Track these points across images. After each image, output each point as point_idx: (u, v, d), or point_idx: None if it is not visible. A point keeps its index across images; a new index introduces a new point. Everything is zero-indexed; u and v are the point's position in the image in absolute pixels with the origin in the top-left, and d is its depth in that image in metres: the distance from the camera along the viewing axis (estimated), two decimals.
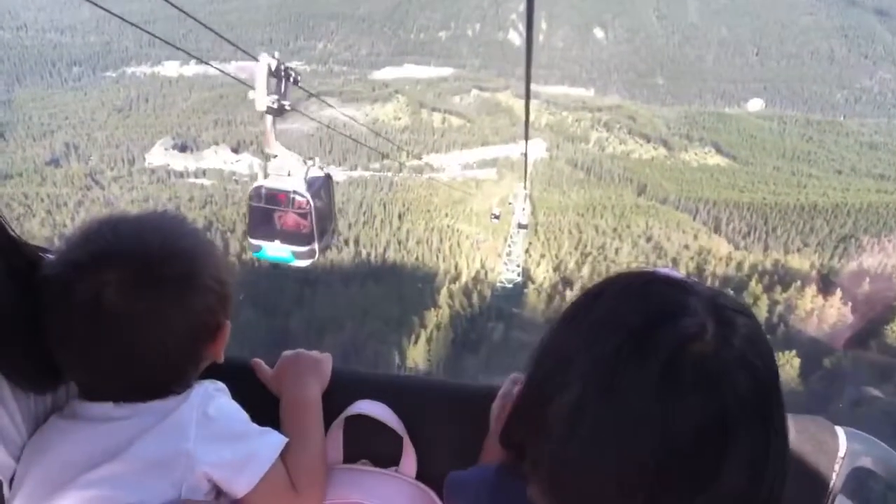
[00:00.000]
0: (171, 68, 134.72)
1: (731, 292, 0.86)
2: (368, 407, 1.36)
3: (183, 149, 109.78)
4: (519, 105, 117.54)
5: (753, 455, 0.72)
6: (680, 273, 0.88)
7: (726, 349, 0.73)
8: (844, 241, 76.28)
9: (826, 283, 57.85)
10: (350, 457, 1.38)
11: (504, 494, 0.96)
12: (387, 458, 1.38)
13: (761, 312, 53.31)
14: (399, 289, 62.91)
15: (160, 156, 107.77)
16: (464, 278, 67.66)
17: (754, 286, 58.45)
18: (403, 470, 1.37)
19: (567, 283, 63.78)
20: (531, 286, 63.52)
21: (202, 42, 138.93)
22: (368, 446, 1.39)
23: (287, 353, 1.42)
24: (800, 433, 1.31)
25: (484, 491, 0.99)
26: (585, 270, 63.04)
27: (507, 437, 0.92)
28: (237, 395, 1.22)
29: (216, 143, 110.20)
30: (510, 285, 63.67)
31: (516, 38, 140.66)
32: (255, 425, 1.19)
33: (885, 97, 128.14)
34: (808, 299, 55.25)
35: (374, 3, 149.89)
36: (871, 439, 1.34)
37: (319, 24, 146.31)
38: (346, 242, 76.51)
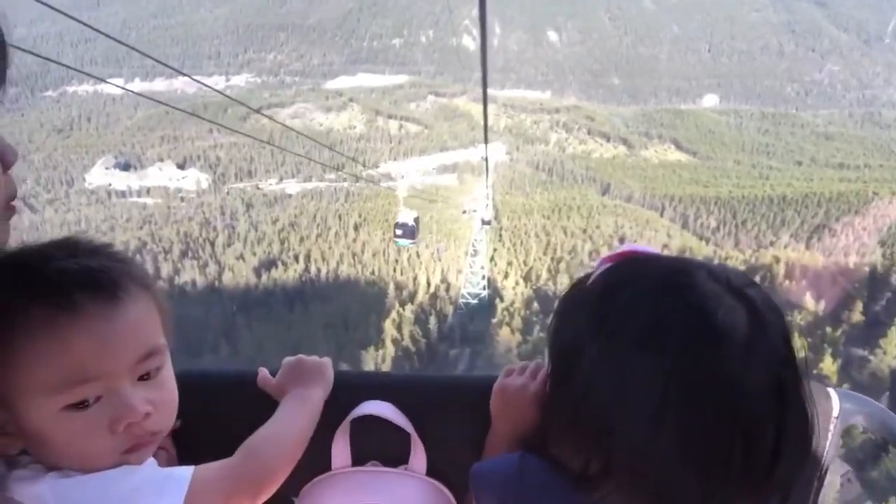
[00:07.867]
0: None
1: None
2: (374, 407, 1.28)
3: (126, 167, 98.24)
4: (476, 109, 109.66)
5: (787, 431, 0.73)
6: (652, 248, 0.88)
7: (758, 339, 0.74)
8: (818, 231, 70.60)
9: None
10: (358, 459, 1.30)
11: (529, 482, 0.94)
12: (395, 457, 1.31)
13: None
14: (345, 312, 51.66)
15: (101, 176, 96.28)
16: (420, 296, 56.88)
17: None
18: (413, 467, 1.30)
19: (543, 299, 52.80)
20: (500, 305, 52.05)
21: (146, 59, 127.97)
22: (376, 447, 1.31)
23: (288, 358, 1.32)
24: None
25: (510, 479, 0.96)
26: (562, 280, 52.03)
27: (567, 450, 0.85)
28: (239, 407, 1.17)
29: (161, 160, 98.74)
30: (475, 301, 52.33)
31: (470, 43, 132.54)
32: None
33: (834, 89, 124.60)
34: None
35: (324, 12, 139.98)
36: (862, 397, 1.34)
37: (269, 35, 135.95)
38: (297, 258, 66.13)
